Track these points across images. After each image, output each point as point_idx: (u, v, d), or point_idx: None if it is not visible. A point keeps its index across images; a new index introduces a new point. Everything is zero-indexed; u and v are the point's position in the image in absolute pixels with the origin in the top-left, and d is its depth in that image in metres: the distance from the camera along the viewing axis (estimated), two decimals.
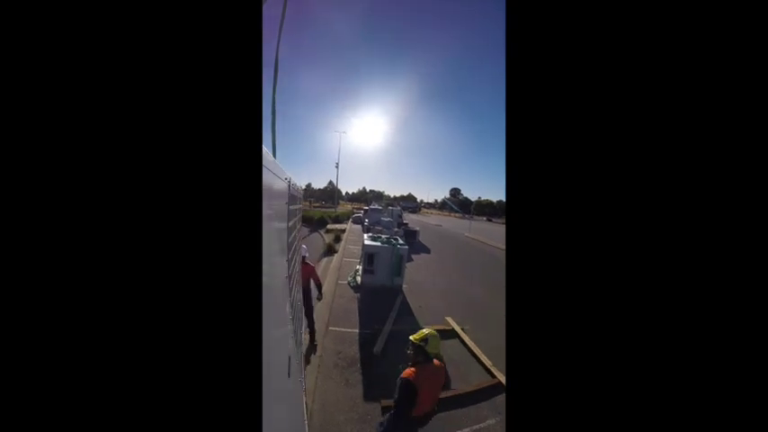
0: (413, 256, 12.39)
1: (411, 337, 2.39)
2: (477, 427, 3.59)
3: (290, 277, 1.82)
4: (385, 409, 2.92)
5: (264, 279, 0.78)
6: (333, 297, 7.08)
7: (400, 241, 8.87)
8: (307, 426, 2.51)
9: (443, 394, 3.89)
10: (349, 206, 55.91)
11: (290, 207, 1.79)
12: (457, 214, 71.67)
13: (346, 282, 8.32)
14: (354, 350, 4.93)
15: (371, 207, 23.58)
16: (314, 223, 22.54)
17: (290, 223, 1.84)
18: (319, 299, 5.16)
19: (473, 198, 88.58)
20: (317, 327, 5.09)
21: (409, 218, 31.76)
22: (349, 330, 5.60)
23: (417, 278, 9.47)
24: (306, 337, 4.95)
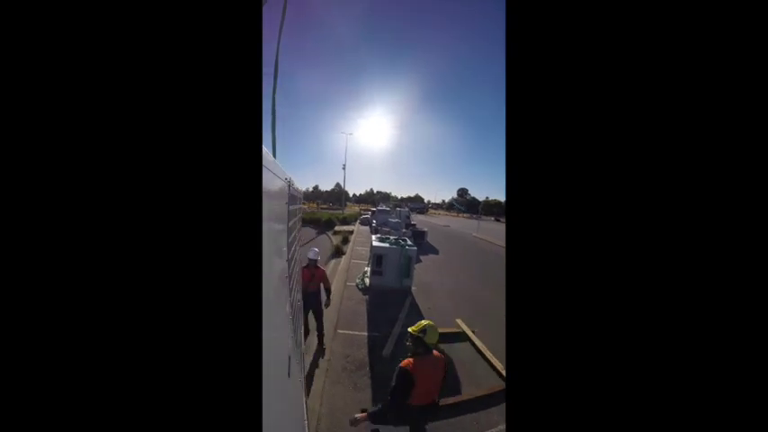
0: (421, 257, 12.32)
1: (410, 329, 2.45)
2: None
3: (289, 277, 1.81)
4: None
5: (264, 279, 0.78)
6: (341, 299, 7.04)
7: (409, 242, 8.79)
8: (307, 426, 2.51)
9: (453, 399, 3.83)
10: (356, 208, 56.02)
11: (290, 207, 1.79)
12: (465, 214, 71.32)
13: (354, 284, 8.29)
14: (363, 353, 4.87)
15: (379, 208, 23.57)
16: (322, 225, 22.65)
17: (290, 223, 1.84)
18: (327, 305, 5.09)
19: (481, 198, 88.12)
20: (324, 330, 5.02)
21: (417, 219, 31.72)
22: (357, 333, 5.55)
23: (426, 279, 9.40)
24: (311, 339, 4.91)
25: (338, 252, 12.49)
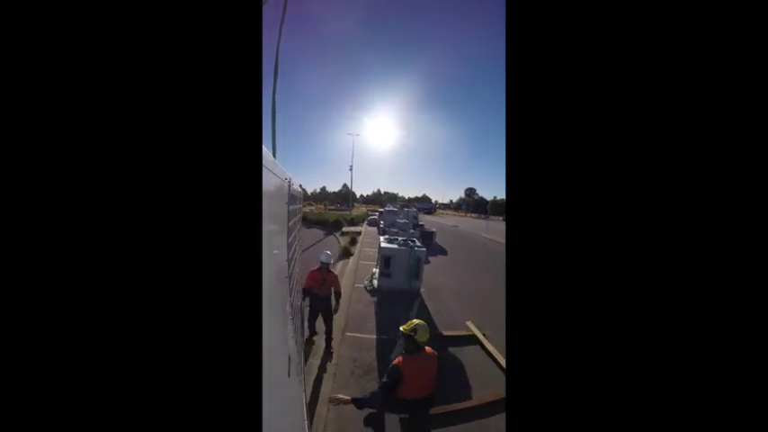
0: (430, 258, 12.16)
1: (401, 328, 2.59)
2: None
3: (289, 277, 1.82)
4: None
5: (264, 279, 0.78)
6: (349, 301, 6.99)
7: (417, 243, 8.67)
8: (307, 426, 2.50)
9: (463, 405, 3.72)
10: (363, 208, 56.08)
11: (290, 207, 1.80)
12: (473, 214, 70.80)
13: (363, 286, 8.21)
14: (371, 357, 4.78)
15: (386, 209, 23.53)
16: (329, 226, 22.72)
17: (290, 223, 1.85)
18: (336, 310, 5.00)
19: (489, 198, 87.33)
20: (333, 334, 4.94)
21: (424, 219, 31.58)
22: (366, 336, 5.47)
23: (435, 281, 9.29)
24: (318, 343, 4.84)
25: (346, 253, 12.48)
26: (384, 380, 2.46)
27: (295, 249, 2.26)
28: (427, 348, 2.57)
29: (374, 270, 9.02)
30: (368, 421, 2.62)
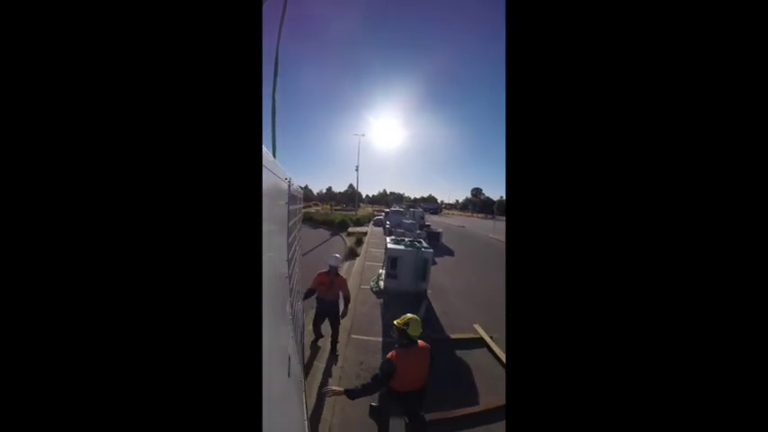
0: (436, 259, 12.05)
1: (394, 322, 2.69)
2: None
3: (289, 277, 1.82)
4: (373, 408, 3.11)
5: (264, 279, 0.78)
6: (355, 303, 6.91)
7: (424, 244, 8.58)
8: (307, 426, 2.50)
9: (470, 410, 3.65)
10: (369, 209, 56.15)
11: (290, 207, 1.80)
12: (479, 215, 70.40)
13: (369, 287, 8.14)
14: (377, 360, 4.72)
15: (392, 209, 23.46)
16: (335, 226, 22.75)
17: (290, 223, 1.87)
18: (343, 315, 4.91)
19: (495, 197, 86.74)
20: (339, 337, 4.88)
21: (431, 219, 31.44)
22: (372, 339, 5.41)
23: (442, 282, 9.22)
24: (324, 346, 4.77)
25: (352, 254, 12.44)
26: (377, 372, 2.52)
27: (295, 249, 2.26)
28: (420, 342, 2.65)
29: (380, 271, 8.97)
30: (373, 427, 2.61)
